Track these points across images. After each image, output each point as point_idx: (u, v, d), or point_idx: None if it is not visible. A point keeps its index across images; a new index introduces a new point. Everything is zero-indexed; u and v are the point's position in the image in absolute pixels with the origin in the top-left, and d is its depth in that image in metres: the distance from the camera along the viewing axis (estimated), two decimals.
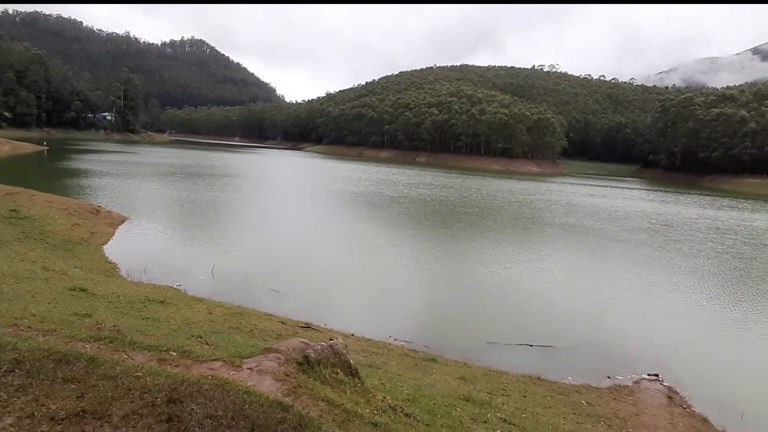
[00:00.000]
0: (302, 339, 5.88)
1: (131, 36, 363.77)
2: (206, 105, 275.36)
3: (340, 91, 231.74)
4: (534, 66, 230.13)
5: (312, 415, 3.77)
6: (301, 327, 10.99)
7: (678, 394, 9.92)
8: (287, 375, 4.63)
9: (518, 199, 49.13)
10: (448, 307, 14.58)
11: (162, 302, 10.75)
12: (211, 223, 24.93)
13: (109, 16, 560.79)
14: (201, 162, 70.00)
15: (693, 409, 9.36)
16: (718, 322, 14.95)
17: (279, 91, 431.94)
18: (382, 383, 7.04)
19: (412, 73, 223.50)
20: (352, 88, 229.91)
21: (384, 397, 5.19)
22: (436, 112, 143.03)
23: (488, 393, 8.23)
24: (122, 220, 22.37)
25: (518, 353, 11.29)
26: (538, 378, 9.94)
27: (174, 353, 5.09)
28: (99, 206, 23.48)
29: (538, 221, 34.37)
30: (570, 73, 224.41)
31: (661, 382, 10.39)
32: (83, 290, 10.38)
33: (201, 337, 6.92)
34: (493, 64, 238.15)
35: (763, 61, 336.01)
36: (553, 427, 7.06)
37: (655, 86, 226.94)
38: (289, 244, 21.65)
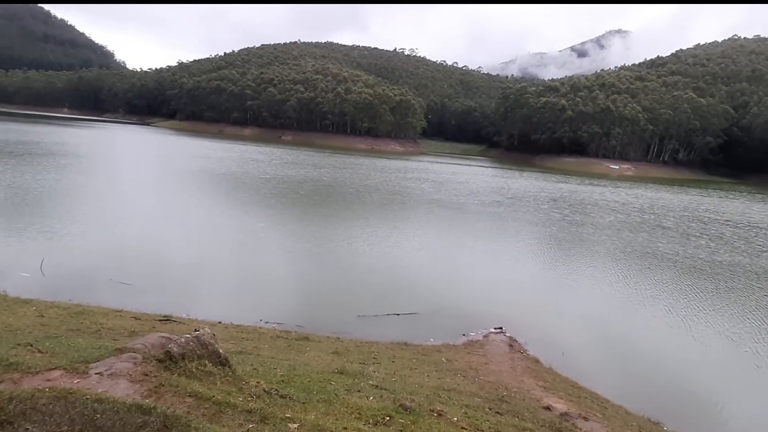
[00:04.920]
0: (162, 333, 5.43)
1: None
2: (21, 68, 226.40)
3: (195, 60, 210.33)
4: (396, 49, 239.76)
5: (179, 413, 3.54)
6: (160, 320, 10.10)
7: (517, 342, 11.69)
8: (146, 374, 4.25)
9: (389, 178, 51.22)
10: (318, 286, 14.76)
11: None
12: (38, 211, 20.93)
13: None
14: (19, 138, 57.69)
15: (528, 353, 11.15)
16: (551, 279, 17.89)
17: (118, 57, 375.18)
18: (254, 369, 6.89)
19: (276, 47, 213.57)
20: (209, 58, 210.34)
21: (258, 382, 5.10)
22: (302, 89, 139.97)
23: (360, 363, 8.64)
24: None
25: (387, 323, 12.04)
26: (405, 343, 10.77)
27: None
28: None
29: (409, 198, 36.44)
30: (428, 58, 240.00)
31: (504, 333, 12.12)
32: None
33: (31, 345, 5.90)
34: (357, 44, 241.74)
35: (579, 57, 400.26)
36: (419, 386, 7.75)
37: (498, 75, 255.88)
38: (140, 231, 19.38)
